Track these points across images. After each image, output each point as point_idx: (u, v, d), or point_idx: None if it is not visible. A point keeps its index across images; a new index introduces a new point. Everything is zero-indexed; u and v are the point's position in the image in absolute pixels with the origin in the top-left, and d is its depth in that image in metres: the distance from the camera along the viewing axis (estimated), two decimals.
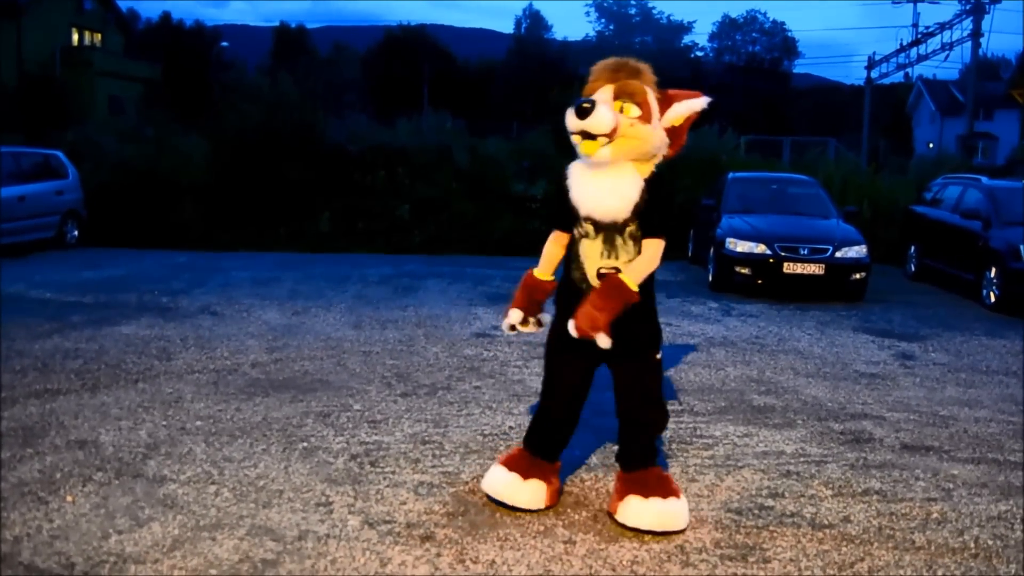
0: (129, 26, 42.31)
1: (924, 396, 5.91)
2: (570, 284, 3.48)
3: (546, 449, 3.69)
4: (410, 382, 5.77)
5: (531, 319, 3.68)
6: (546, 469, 3.67)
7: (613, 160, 3.29)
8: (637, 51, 55.28)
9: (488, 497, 3.72)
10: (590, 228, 3.37)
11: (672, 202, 3.51)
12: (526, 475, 3.62)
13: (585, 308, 3.28)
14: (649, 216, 3.34)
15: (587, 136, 3.25)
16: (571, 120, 3.26)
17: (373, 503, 3.71)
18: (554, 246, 3.61)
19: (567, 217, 3.45)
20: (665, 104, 3.37)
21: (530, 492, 3.62)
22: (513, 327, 3.67)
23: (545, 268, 3.65)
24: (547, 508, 3.68)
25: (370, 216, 15.51)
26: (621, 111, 3.27)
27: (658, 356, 3.55)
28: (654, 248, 3.37)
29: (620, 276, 3.32)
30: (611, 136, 3.24)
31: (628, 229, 3.34)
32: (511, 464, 3.67)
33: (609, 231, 3.35)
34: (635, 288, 3.29)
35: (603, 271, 3.36)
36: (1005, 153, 32.95)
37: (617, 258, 3.36)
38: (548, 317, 3.68)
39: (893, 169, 20.09)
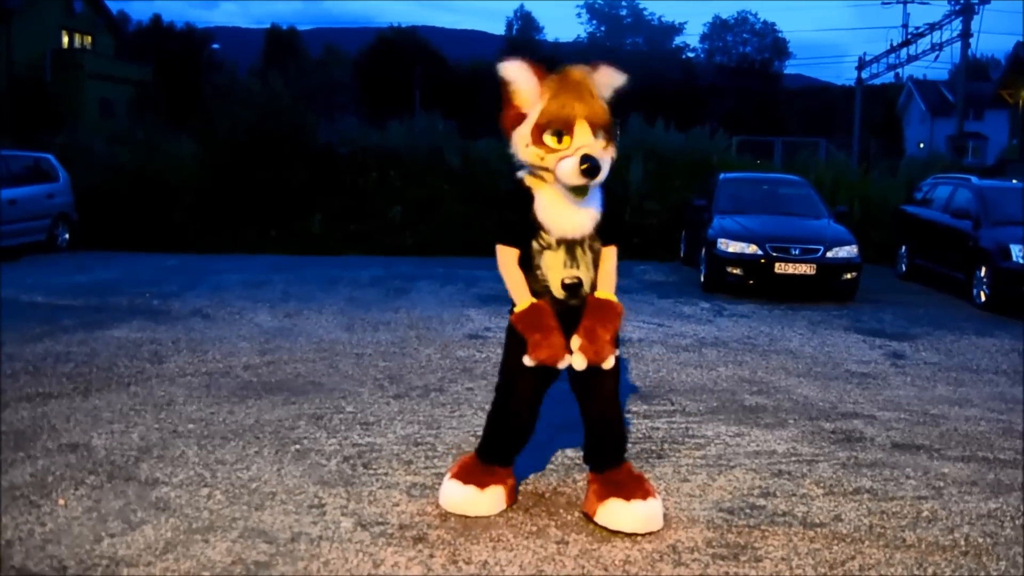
0: (119, 28, 42.15)
1: (915, 395, 5.93)
2: (531, 293, 3.43)
3: (504, 457, 3.67)
4: (402, 384, 5.77)
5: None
6: (501, 473, 3.66)
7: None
8: (628, 52, 55.40)
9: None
10: (551, 240, 3.36)
11: (624, 210, 3.55)
12: (483, 485, 3.60)
13: (590, 337, 3.34)
14: (609, 227, 3.42)
15: (583, 188, 3.25)
16: (573, 176, 3.18)
17: (366, 505, 3.71)
18: (517, 267, 3.41)
19: (528, 232, 3.37)
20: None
21: (489, 500, 3.61)
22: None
23: (528, 292, 3.42)
24: (508, 507, 3.68)
25: (362, 218, 15.50)
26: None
27: (616, 353, 3.53)
28: (614, 255, 3.50)
29: (603, 295, 3.41)
30: None
31: (586, 241, 3.39)
32: (465, 476, 3.62)
33: (570, 243, 3.37)
34: (616, 300, 3.43)
35: (567, 281, 3.38)
36: (995, 153, 33.14)
37: (577, 267, 3.39)
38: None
39: (883, 169, 20.16)
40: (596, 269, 3.44)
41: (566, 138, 3.21)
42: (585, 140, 3.21)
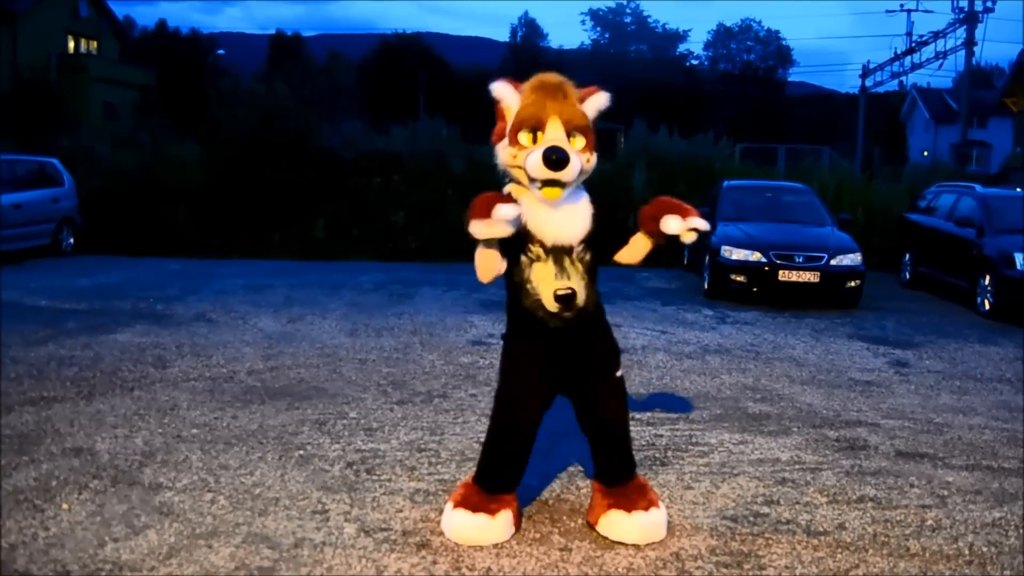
0: (125, 33, 42.28)
1: (918, 403, 5.92)
2: (524, 313, 3.34)
3: (507, 484, 3.49)
4: (406, 390, 5.78)
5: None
6: (506, 497, 3.50)
7: (568, 194, 3.26)
8: (632, 59, 55.46)
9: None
10: (540, 251, 3.28)
11: (626, 217, 3.50)
12: (493, 511, 3.43)
13: (678, 209, 3.23)
14: (603, 241, 3.38)
15: (554, 184, 3.17)
16: (538, 169, 3.13)
17: (369, 511, 3.71)
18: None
19: (515, 244, 3.25)
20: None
21: (501, 526, 3.45)
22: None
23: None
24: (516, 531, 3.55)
25: (365, 223, 15.51)
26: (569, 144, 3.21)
27: (619, 374, 3.51)
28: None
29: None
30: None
31: (576, 251, 3.31)
32: (472, 505, 3.44)
33: (559, 253, 3.29)
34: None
35: (560, 292, 3.28)
36: (999, 161, 33.09)
37: (569, 278, 3.29)
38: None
39: (887, 177, 20.13)
40: (588, 280, 3.35)
41: (540, 135, 3.21)
42: (556, 136, 3.19)
